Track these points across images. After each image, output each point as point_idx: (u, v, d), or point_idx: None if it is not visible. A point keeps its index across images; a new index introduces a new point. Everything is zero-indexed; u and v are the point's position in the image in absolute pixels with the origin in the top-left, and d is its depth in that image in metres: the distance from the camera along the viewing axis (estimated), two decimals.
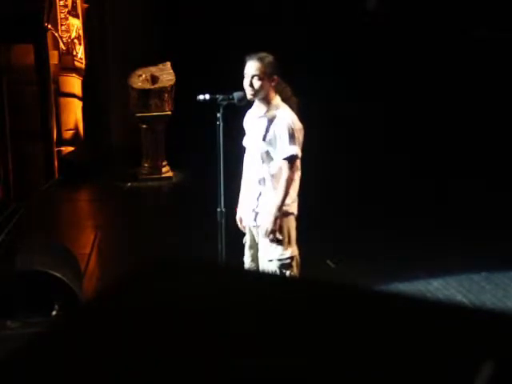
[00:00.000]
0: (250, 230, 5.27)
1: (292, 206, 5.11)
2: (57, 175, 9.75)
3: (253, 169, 5.18)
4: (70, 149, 10.19)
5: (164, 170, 9.84)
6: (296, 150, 4.99)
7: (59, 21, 10.22)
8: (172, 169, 9.88)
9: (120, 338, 1.18)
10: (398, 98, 10.84)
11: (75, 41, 10.43)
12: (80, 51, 10.50)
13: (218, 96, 5.10)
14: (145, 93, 9.62)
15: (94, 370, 1.11)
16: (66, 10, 10.32)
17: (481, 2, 11.66)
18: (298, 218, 5.17)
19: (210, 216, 5.29)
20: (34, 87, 9.45)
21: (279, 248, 5.08)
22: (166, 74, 9.75)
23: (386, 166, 9.32)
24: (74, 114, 10.32)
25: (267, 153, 5.06)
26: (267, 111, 5.07)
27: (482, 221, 7.58)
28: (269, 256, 5.11)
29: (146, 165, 9.83)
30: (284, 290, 1.35)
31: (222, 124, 5.10)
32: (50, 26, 9.65)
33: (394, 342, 1.15)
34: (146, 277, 1.37)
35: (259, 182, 5.15)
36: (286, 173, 5.00)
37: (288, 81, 5.19)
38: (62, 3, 10.24)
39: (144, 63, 9.72)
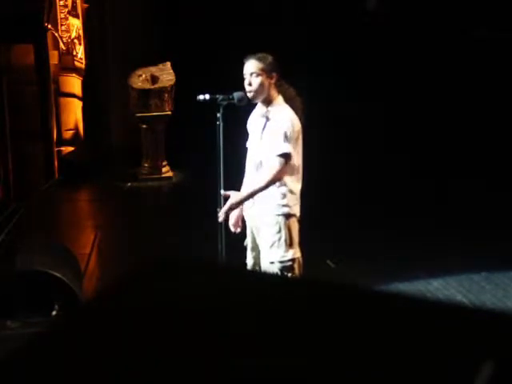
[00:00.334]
0: (251, 232, 5.25)
1: (294, 208, 5.09)
2: (57, 175, 9.75)
3: (253, 169, 5.18)
4: (70, 149, 10.20)
5: (164, 169, 9.85)
6: (289, 148, 4.96)
7: (59, 21, 10.23)
8: (172, 169, 9.88)
9: (120, 338, 1.19)
10: (397, 97, 10.85)
11: (75, 41, 10.44)
12: (80, 51, 10.51)
13: (218, 96, 5.10)
14: (145, 93, 9.63)
15: (94, 369, 1.11)
16: (66, 10, 10.33)
17: (481, 2, 11.66)
18: (300, 220, 5.16)
19: (209, 216, 5.29)
20: (34, 87, 9.46)
21: (280, 250, 5.06)
22: (166, 74, 9.75)
23: (386, 165, 9.33)
24: (74, 114, 10.33)
25: (266, 152, 5.05)
26: (268, 111, 5.07)
27: (482, 221, 7.59)
28: (270, 258, 5.10)
29: (146, 165, 9.84)
30: (284, 289, 1.35)
31: (221, 124, 5.09)
32: (50, 26, 9.66)
33: (393, 342, 1.15)
34: (146, 277, 1.37)
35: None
36: (275, 168, 4.97)
37: (288, 81, 5.18)
38: (62, 3, 10.24)
39: (144, 63, 9.73)
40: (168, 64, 9.83)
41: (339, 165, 9.19)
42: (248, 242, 5.29)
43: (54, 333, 1.25)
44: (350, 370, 1.09)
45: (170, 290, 1.32)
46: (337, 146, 9.64)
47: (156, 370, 1.10)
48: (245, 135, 5.29)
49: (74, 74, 10.36)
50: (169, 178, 9.83)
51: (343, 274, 6.27)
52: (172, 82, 9.70)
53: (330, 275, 6.26)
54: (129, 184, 9.67)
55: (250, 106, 5.22)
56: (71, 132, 10.29)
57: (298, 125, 5.03)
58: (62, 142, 10.13)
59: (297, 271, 5.12)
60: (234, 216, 5.28)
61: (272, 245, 5.07)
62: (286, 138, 4.95)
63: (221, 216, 5.12)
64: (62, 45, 10.22)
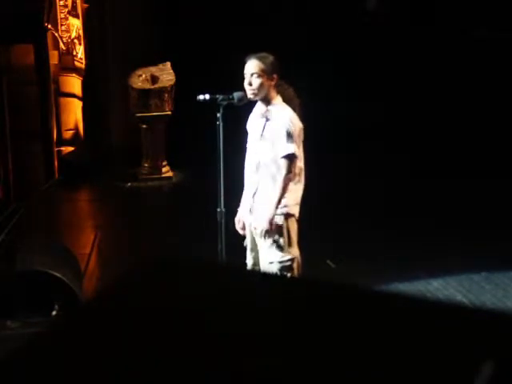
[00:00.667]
0: (250, 232, 5.25)
1: (293, 208, 5.09)
2: (57, 175, 9.75)
3: (253, 169, 5.18)
4: (70, 149, 10.20)
5: (164, 169, 9.85)
6: (294, 148, 4.97)
7: (59, 21, 10.23)
8: (172, 169, 9.88)
9: (120, 338, 1.19)
10: (398, 97, 10.84)
11: (75, 41, 10.44)
12: (80, 51, 10.50)
13: (218, 96, 5.10)
14: (145, 93, 9.62)
15: (94, 369, 1.11)
16: (66, 10, 10.33)
17: (481, 2, 11.66)
18: (299, 220, 5.17)
19: (210, 216, 5.29)
20: (34, 87, 9.45)
21: (280, 250, 5.06)
22: (166, 74, 9.75)
23: (386, 166, 9.33)
24: (74, 114, 10.33)
25: (267, 152, 5.06)
26: (267, 111, 5.07)
27: (482, 221, 7.58)
28: (269, 258, 5.10)
29: (146, 165, 9.83)
30: (284, 290, 1.35)
31: (221, 124, 5.09)
32: (50, 26, 9.66)
33: (393, 342, 1.15)
34: (146, 277, 1.37)
35: (258, 181, 5.14)
36: (283, 171, 4.99)
37: (288, 81, 5.19)
38: (62, 3, 10.24)
39: (144, 63, 9.72)
40: (168, 64, 9.83)
41: (339, 165, 9.18)
42: (247, 242, 5.29)
43: (54, 333, 1.26)
44: (350, 370, 1.09)
45: (169, 289, 1.32)
46: (337, 146, 9.64)
47: (156, 370, 1.10)
48: (245, 135, 5.29)
49: (74, 74, 10.36)
50: (169, 177, 9.83)
51: (343, 274, 6.27)
52: (172, 82, 9.70)
53: (330, 275, 6.25)
54: (129, 184, 9.66)
55: (250, 105, 5.22)
56: (71, 132, 10.28)
57: (298, 123, 5.04)
58: (62, 141, 10.13)
59: (296, 271, 5.13)
60: (241, 220, 5.30)
61: (271, 245, 5.07)
62: (289, 137, 4.95)
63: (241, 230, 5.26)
64: (61, 45, 10.22)
